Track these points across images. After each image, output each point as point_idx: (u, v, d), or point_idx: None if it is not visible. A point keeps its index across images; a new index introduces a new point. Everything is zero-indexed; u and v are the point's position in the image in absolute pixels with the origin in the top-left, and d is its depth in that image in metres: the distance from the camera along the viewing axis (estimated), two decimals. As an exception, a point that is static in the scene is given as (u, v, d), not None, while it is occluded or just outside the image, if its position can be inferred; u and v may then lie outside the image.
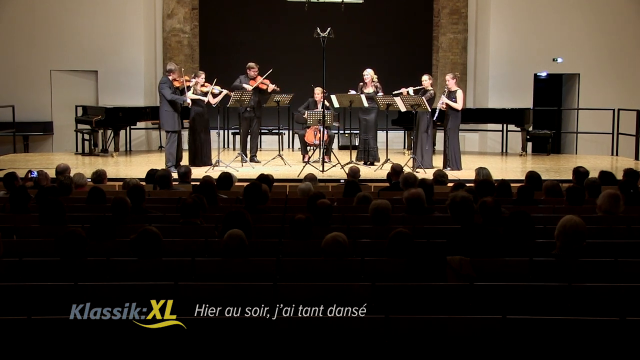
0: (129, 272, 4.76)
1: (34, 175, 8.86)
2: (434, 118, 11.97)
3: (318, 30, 11.43)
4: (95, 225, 5.47)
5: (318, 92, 12.81)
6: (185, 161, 11.94)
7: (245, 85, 12.47)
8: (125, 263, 4.85)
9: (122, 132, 14.61)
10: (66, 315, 3.75)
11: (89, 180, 9.04)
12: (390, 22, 16.87)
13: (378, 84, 12.58)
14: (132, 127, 15.22)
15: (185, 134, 12.72)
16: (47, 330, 3.65)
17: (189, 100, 11.81)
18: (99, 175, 9.02)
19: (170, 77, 11.81)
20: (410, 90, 12.17)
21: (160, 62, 16.57)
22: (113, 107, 14.20)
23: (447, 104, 11.87)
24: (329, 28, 11.43)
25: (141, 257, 4.84)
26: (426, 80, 12.22)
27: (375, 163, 12.55)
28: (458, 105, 11.86)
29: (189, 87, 11.93)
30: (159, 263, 4.83)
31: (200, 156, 12.24)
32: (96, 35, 15.57)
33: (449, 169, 11.64)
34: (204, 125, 12.29)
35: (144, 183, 8.42)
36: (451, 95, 11.92)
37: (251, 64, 12.82)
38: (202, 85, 12.12)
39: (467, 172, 11.28)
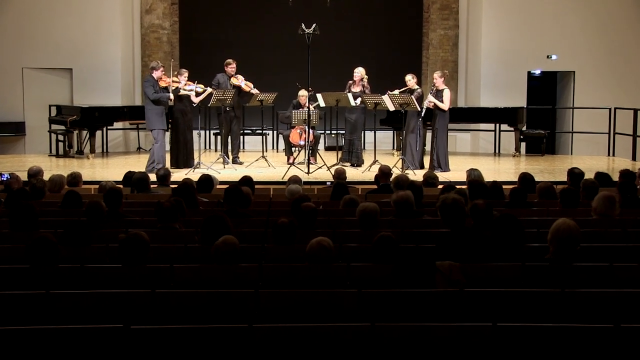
0: (104, 279, 4.74)
1: (5, 178, 8.81)
2: (421, 117, 12.00)
3: (303, 26, 11.43)
4: (69, 230, 5.45)
5: (302, 94, 12.82)
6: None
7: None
8: (100, 270, 4.84)
9: (98, 133, 14.54)
10: (38, 325, 3.73)
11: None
12: (378, 18, 16.90)
13: (366, 83, 12.57)
14: (109, 127, 15.15)
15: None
16: (18, 341, 3.63)
17: (172, 96, 11.80)
18: (74, 178, 8.97)
19: (155, 75, 11.77)
20: (397, 92, 12.18)
21: (138, 59, 16.54)
22: (89, 106, 14.14)
23: (433, 103, 11.92)
24: (314, 24, 11.44)
25: (126, 264, 4.83)
26: (410, 80, 12.25)
27: (360, 164, 12.54)
28: (444, 105, 11.90)
29: (177, 89, 11.92)
30: (135, 270, 4.82)
31: (183, 157, 12.24)
32: (71, 32, 15.49)
33: (440, 170, 11.67)
34: (187, 125, 12.29)
35: (121, 186, 8.38)
36: (438, 94, 11.97)
37: (229, 60, 12.77)
38: (185, 84, 12.11)
39: (458, 173, 11.31)
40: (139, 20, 16.59)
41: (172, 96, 11.81)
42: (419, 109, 11.86)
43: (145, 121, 12.22)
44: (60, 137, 14.38)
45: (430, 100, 11.93)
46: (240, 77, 12.73)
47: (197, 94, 12.19)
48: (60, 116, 14.47)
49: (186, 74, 12.21)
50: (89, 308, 4.19)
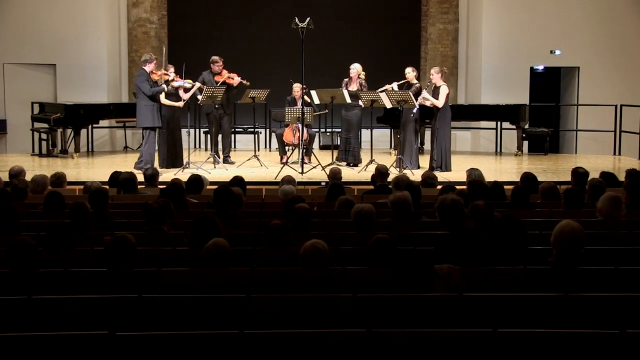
0: (89, 284, 4.74)
1: (-15, 179, 8.79)
2: (412, 114, 11.99)
3: (296, 20, 11.43)
4: (52, 233, 5.44)
5: (297, 88, 12.81)
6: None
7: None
8: (84, 274, 4.83)
9: (83, 132, 14.51)
10: (19, 332, 3.73)
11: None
12: (375, 11, 16.91)
13: (364, 81, 12.56)
14: (94, 125, 15.13)
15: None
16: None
17: (165, 88, 11.79)
18: (58, 179, 8.97)
19: (147, 69, 11.74)
20: (395, 85, 12.19)
21: (125, 55, 16.52)
22: (73, 104, 14.11)
23: (429, 101, 11.90)
24: (309, 18, 11.43)
25: (112, 268, 4.83)
26: (410, 72, 12.25)
27: (357, 164, 12.55)
28: (438, 102, 11.87)
29: (167, 82, 11.90)
30: (121, 274, 4.82)
31: (172, 156, 12.23)
32: (54, 25, 15.46)
33: (439, 170, 11.67)
34: (175, 123, 12.29)
35: (107, 187, 8.38)
36: (435, 90, 11.96)
37: (214, 58, 12.73)
38: (172, 80, 12.10)
39: (457, 173, 11.32)
40: (126, 13, 16.56)
41: (166, 88, 11.80)
42: (416, 106, 11.85)
43: (134, 119, 12.18)
44: (44, 136, 14.34)
45: (424, 97, 11.91)
46: (224, 72, 12.70)
47: (186, 90, 12.17)
48: (44, 114, 14.44)
49: (172, 70, 12.18)
50: (72, 314, 4.19)
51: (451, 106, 12.45)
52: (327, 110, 13.83)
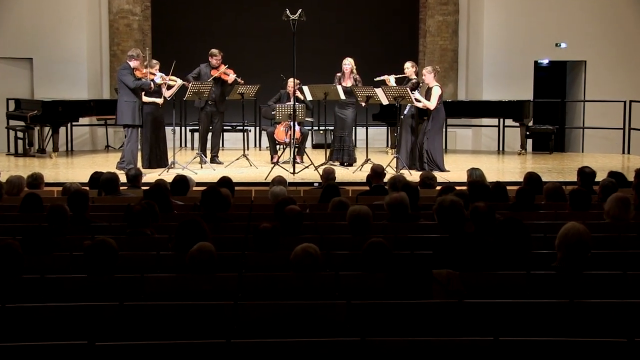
0: (68, 291, 4.73)
1: (-42, 180, 8.77)
2: (403, 115, 12.01)
3: (287, 12, 11.43)
4: (29, 237, 5.43)
5: (291, 83, 12.81)
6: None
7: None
8: (63, 281, 4.82)
9: (62, 130, 14.48)
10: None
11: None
12: (371, 3, 16.91)
13: (358, 76, 12.57)
14: (73, 123, 15.10)
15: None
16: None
17: (152, 85, 11.78)
18: (35, 179, 8.96)
19: (132, 64, 11.71)
20: (392, 78, 12.19)
21: (106, 48, 16.48)
22: (51, 100, 14.08)
23: (419, 102, 11.90)
24: (300, 9, 11.43)
25: (92, 274, 4.82)
26: (409, 68, 12.28)
27: (352, 163, 12.55)
28: (430, 104, 11.88)
29: (153, 81, 11.88)
30: (102, 280, 4.81)
31: (156, 156, 12.22)
32: (31, 17, 15.42)
33: (437, 170, 11.68)
34: (159, 121, 12.28)
35: (87, 188, 8.37)
36: (427, 91, 11.98)
37: (213, 51, 12.75)
38: (160, 78, 12.08)
39: (457, 173, 11.34)
40: (107, 5, 16.52)
41: (152, 85, 11.77)
42: (415, 103, 11.86)
43: (115, 116, 12.15)
44: (20, 134, 14.32)
45: (416, 98, 11.89)
46: (221, 67, 12.69)
47: (169, 87, 12.17)
48: (20, 111, 14.40)
49: (157, 67, 12.16)
50: (50, 323, 4.18)
51: (451, 102, 12.50)
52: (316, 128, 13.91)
